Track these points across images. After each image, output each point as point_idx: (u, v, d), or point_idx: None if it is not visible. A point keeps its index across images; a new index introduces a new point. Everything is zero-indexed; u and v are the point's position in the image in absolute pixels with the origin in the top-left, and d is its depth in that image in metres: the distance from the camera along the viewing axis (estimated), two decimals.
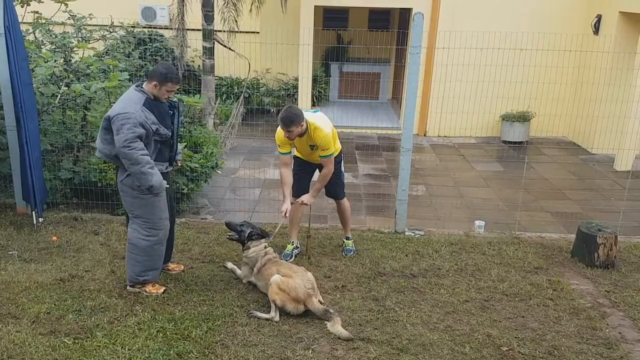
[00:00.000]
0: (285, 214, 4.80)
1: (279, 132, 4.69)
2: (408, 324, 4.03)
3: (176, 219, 5.12)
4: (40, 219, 5.47)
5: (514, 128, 10.18)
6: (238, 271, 4.65)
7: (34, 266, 4.66)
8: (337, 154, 4.90)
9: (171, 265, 4.77)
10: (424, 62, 9.33)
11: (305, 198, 4.85)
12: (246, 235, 4.53)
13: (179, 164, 4.73)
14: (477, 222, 6.01)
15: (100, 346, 3.59)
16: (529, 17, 10.07)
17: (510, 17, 9.98)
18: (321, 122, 4.70)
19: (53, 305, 4.04)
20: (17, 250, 4.89)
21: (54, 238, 5.21)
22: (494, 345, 3.83)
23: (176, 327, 3.85)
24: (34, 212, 5.41)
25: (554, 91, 9.27)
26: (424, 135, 10.72)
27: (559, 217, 6.73)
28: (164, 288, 4.37)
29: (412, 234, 5.70)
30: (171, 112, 4.31)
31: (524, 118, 10.12)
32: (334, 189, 5.04)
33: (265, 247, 4.56)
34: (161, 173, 4.15)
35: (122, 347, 3.58)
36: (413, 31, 5.29)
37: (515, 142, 10.16)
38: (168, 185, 4.30)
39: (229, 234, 4.66)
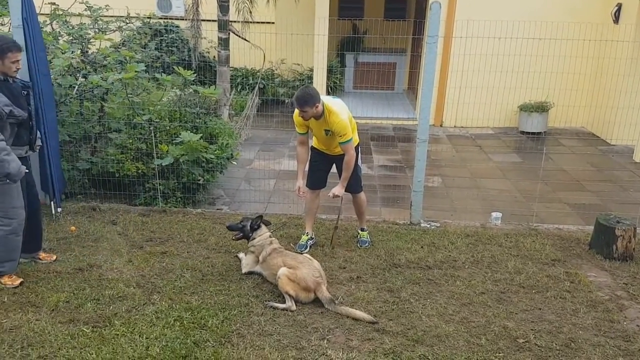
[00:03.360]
0: (299, 191, 4.89)
1: (297, 112, 4.69)
2: (423, 316, 4.02)
3: (54, 208, 5.19)
4: (59, 209, 5.53)
5: (532, 118, 10.06)
6: (243, 260, 4.68)
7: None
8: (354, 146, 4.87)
9: (42, 254, 4.64)
10: (440, 52, 9.24)
11: (336, 190, 4.83)
12: (248, 228, 4.61)
13: (37, 149, 4.55)
14: (493, 214, 5.96)
15: (118, 334, 3.63)
16: (547, 5, 9.91)
17: (528, 6, 9.83)
18: (338, 107, 4.68)
19: (72, 294, 4.10)
20: None
21: (73, 228, 5.27)
22: (510, 337, 3.81)
23: (193, 316, 3.88)
24: (52, 203, 5.47)
25: (572, 81, 9.11)
26: (440, 125, 10.64)
27: (577, 209, 6.64)
28: (20, 280, 4.23)
29: (428, 226, 5.68)
30: (25, 93, 4.19)
31: (542, 108, 9.99)
32: (351, 183, 4.99)
33: (270, 237, 4.61)
34: (20, 158, 4.05)
35: (140, 336, 3.62)
36: (430, 20, 5.23)
37: (533, 133, 10.04)
38: (27, 171, 4.16)
39: (233, 235, 4.72)
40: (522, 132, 10.16)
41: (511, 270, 4.79)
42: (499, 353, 3.64)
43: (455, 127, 10.58)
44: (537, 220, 5.98)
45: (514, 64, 8.51)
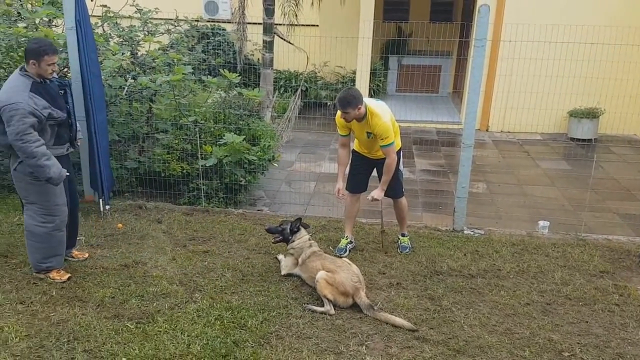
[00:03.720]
0: (338, 193, 4.89)
1: (339, 113, 4.68)
2: (465, 325, 3.93)
3: (103, 205, 5.28)
4: (107, 207, 5.68)
5: (582, 125, 9.73)
6: (282, 262, 4.69)
7: (100, 252, 4.86)
8: (396, 150, 4.82)
9: (75, 252, 4.69)
10: (488, 55, 9.06)
11: (375, 194, 4.79)
12: (288, 231, 4.63)
13: (79, 143, 4.56)
14: (541, 223, 5.78)
15: (161, 331, 3.70)
16: (598, 9, 9.58)
17: (578, 9, 9.53)
18: (381, 110, 4.63)
19: (117, 290, 4.20)
20: (84, 236, 5.11)
21: (120, 225, 5.41)
22: (555, 350, 3.69)
23: (233, 315, 3.92)
24: (101, 200, 5.62)
25: (625, 87, 8.77)
26: (486, 130, 10.43)
27: (627, 219, 6.38)
28: (68, 275, 4.34)
29: (472, 233, 5.56)
30: (62, 92, 4.18)
31: (592, 114, 9.65)
32: (392, 188, 4.93)
33: (309, 239, 4.61)
34: (62, 156, 4.08)
35: (181, 333, 3.68)
36: (478, 23, 5.13)
37: (583, 140, 9.72)
38: (68, 173, 4.19)
39: (273, 238, 4.74)
40: (572, 139, 9.84)
41: (558, 281, 4.63)
42: None
43: (501, 132, 10.35)
44: (586, 230, 5.77)
45: (564, 68, 8.25)
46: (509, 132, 10.26)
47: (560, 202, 6.98)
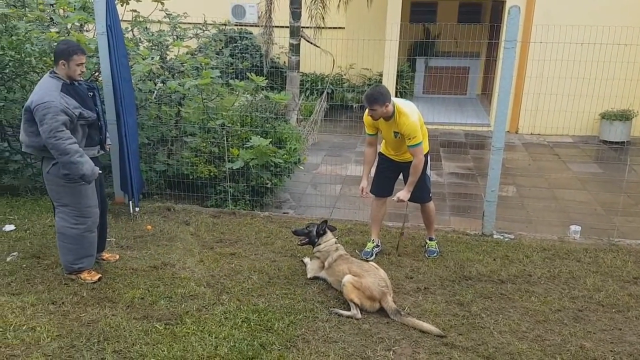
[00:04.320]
0: (362, 192, 4.87)
1: (367, 112, 4.65)
2: (495, 332, 3.86)
3: (132, 207, 5.33)
4: (137, 209, 5.76)
5: (614, 127, 9.51)
6: (308, 265, 4.68)
7: (129, 253, 4.93)
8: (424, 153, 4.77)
9: (105, 255, 4.74)
10: (517, 57, 8.92)
11: (401, 194, 4.73)
12: (314, 234, 4.61)
13: (108, 148, 4.63)
14: (572, 227, 5.65)
15: (189, 333, 3.73)
16: (629, 10, 9.36)
17: (609, 10, 9.33)
18: (409, 109, 4.58)
19: (147, 291, 4.25)
20: (114, 237, 5.19)
21: (149, 227, 5.49)
22: (588, 358, 3.60)
23: (260, 318, 3.93)
24: (130, 202, 5.71)
25: None
26: (516, 132, 10.28)
27: None
28: (99, 276, 4.39)
29: (501, 237, 5.46)
30: (91, 94, 4.24)
31: (625, 117, 9.43)
32: (419, 193, 4.87)
33: (336, 243, 4.59)
34: (93, 158, 4.12)
35: (209, 335, 3.70)
36: (508, 24, 5.05)
37: (615, 142, 9.50)
38: (100, 171, 4.24)
39: (299, 240, 4.73)
40: (603, 141, 9.64)
41: (590, 287, 4.52)
42: None
43: (531, 134, 10.18)
44: (619, 235, 5.62)
45: (595, 70, 8.07)
46: (539, 134, 10.09)
47: (592, 206, 6.82)
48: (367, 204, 5.09)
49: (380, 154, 4.99)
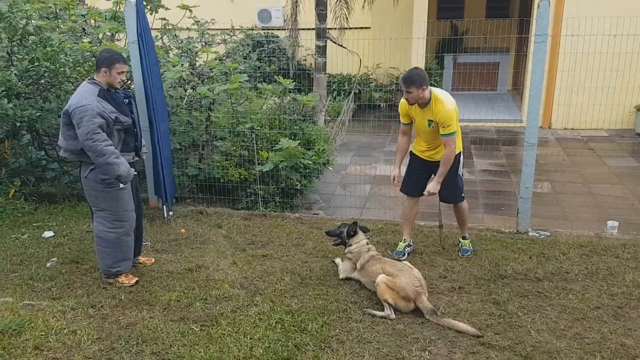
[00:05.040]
0: (394, 181, 4.89)
1: (402, 101, 4.64)
2: (532, 330, 3.79)
3: (166, 211, 5.43)
4: (170, 213, 5.86)
5: None
6: (340, 266, 4.67)
7: (164, 256, 5.01)
8: (457, 152, 4.71)
9: (142, 259, 4.80)
10: (548, 51, 8.75)
11: (430, 187, 4.66)
12: (345, 234, 4.61)
13: (144, 156, 4.70)
14: (609, 223, 5.51)
15: (224, 334, 3.77)
16: None
17: None
18: (445, 97, 4.53)
19: (182, 294, 4.32)
20: (150, 241, 5.29)
21: (183, 230, 5.57)
22: (629, 356, 3.50)
23: (293, 319, 3.94)
24: (164, 206, 5.80)
25: None
26: (549, 127, 10.08)
27: None
28: (136, 279, 4.47)
29: (537, 235, 5.36)
30: (127, 101, 4.31)
31: None
32: (451, 193, 4.82)
33: (367, 244, 4.57)
34: (128, 163, 4.18)
35: (244, 336, 3.74)
36: (538, 18, 4.96)
37: None
38: (136, 172, 4.30)
39: (332, 241, 4.74)
40: (639, 134, 9.35)
41: (629, 283, 4.40)
42: None
43: (565, 129, 9.97)
44: None
45: (630, 62, 7.85)
46: (572, 129, 9.87)
47: (630, 200, 6.63)
48: (398, 203, 5.06)
49: (412, 153, 4.96)
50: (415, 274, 4.14)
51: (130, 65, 5.51)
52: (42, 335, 3.72)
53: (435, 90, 4.54)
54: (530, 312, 4.03)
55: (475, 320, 3.91)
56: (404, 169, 5.04)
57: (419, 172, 4.92)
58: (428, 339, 3.70)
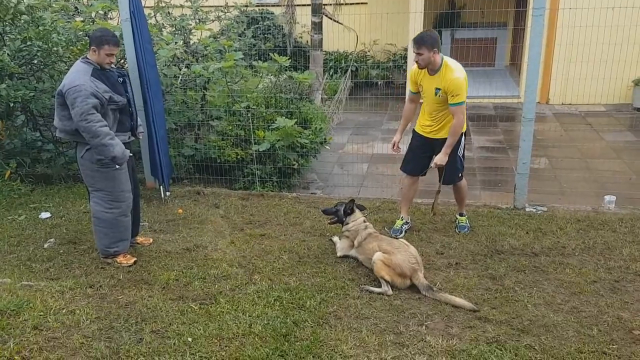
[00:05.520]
0: (395, 146, 4.88)
1: (413, 68, 4.62)
2: (529, 305, 3.82)
3: (163, 192, 5.40)
4: (167, 193, 5.85)
5: None
6: (338, 244, 4.69)
7: (162, 236, 5.02)
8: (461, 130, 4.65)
9: (139, 239, 4.81)
10: (546, 25, 8.66)
11: (437, 159, 4.61)
12: (342, 213, 4.61)
13: (140, 136, 4.67)
14: (607, 197, 5.52)
15: (223, 312, 3.79)
16: None
17: None
18: (456, 65, 4.47)
19: (181, 273, 4.33)
20: (147, 222, 5.29)
21: (180, 210, 5.57)
22: (625, 329, 3.53)
23: (292, 296, 3.97)
24: (161, 187, 5.79)
25: None
26: (546, 103, 10.03)
27: None
28: (134, 259, 4.48)
29: (534, 210, 5.37)
30: (121, 80, 4.27)
31: None
32: (449, 175, 4.80)
33: (365, 221, 4.57)
34: (124, 143, 4.16)
35: (243, 314, 3.76)
36: None
37: None
38: (131, 154, 4.28)
39: (328, 219, 4.74)
40: (637, 109, 9.31)
41: (626, 257, 4.43)
42: (613, 345, 3.38)
43: (562, 104, 9.92)
44: None
45: (627, 35, 7.76)
46: (570, 104, 9.83)
47: (627, 175, 6.63)
48: (396, 182, 5.05)
49: (414, 131, 4.92)
50: (411, 251, 4.16)
51: (123, 44, 5.43)
52: (40, 315, 3.73)
53: (447, 59, 4.49)
54: (527, 286, 4.05)
55: (472, 295, 3.94)
56: (406, 147, 5.01)
57: (419, 151, 4.89)
58: (425, 314, 3.73)
